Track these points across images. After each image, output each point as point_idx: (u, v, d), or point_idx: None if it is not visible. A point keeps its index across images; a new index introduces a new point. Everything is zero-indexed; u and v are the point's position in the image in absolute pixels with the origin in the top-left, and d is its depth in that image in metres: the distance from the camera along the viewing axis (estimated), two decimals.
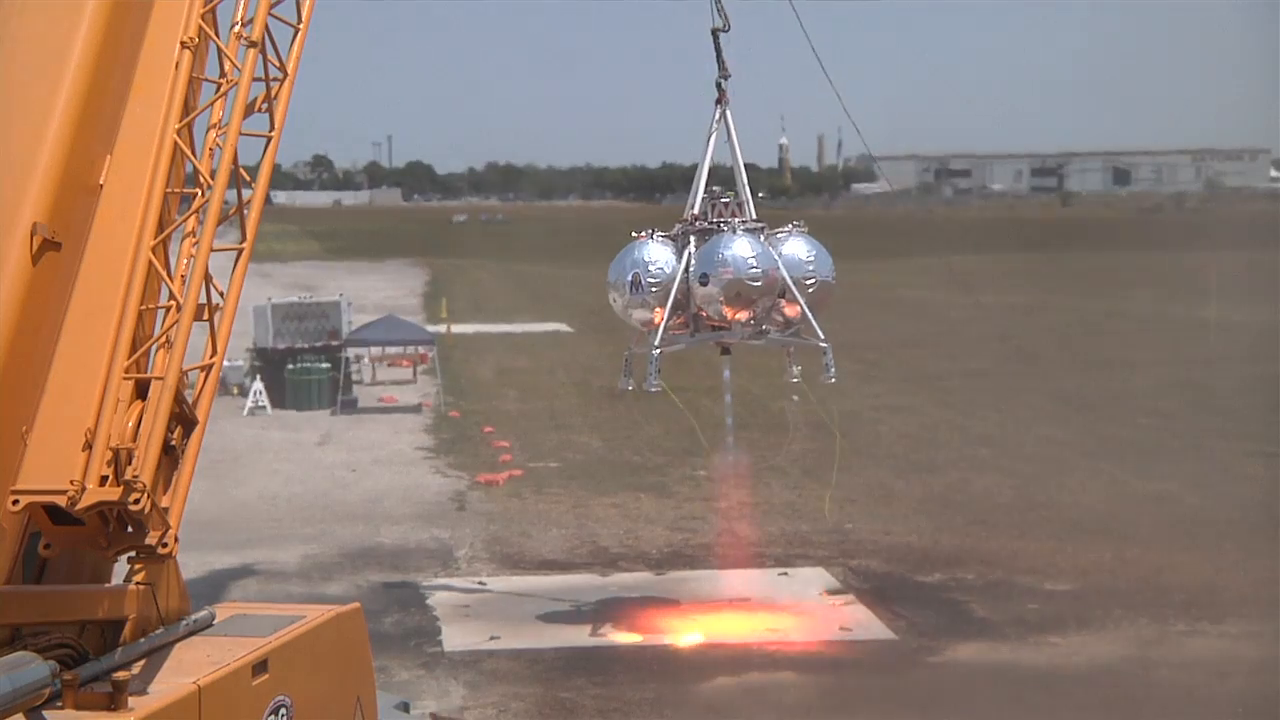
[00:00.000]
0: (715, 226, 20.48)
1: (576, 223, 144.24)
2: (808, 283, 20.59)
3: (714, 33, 20.87)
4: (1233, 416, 38.77)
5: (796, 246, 20.82)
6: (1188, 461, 33.67)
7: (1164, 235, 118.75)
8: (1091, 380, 45.97)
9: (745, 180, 21.22)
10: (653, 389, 20.40)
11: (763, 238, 20.51)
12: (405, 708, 13.94)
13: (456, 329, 59.15)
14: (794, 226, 21.17)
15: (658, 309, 20.32)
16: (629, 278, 20.52)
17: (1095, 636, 21.35)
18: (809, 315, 20.45)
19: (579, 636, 21.49)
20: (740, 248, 20.02)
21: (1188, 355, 51.10)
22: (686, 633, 21.74)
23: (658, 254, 20.54)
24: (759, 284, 19.93)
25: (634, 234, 20.95)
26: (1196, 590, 23.43)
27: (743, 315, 20.16)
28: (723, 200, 20.75)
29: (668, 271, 20.36)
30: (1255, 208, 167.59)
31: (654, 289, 20.31)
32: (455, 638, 21.37)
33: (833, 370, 20.52)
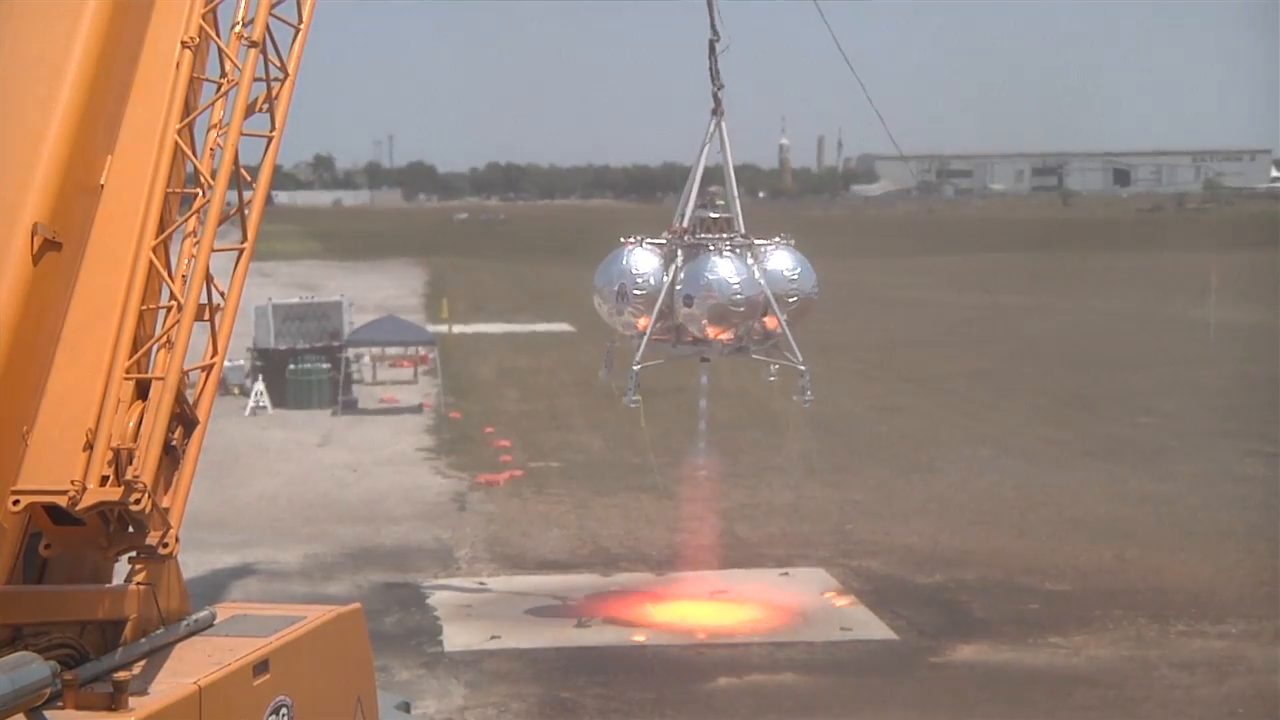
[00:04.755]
0: (703, 244, 20.74)
1: (577, 222, 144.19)
2: (790, 299, 21.00)
3: (710, 44, 21.04)
4: (1233, 416, 38.79)
5: (781, 260, 21.17)
6: (1188, 461, 33.70)
7: (1164, 235, 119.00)
8: (1091, 380, 45.96)
9: (736, 193, 21.46)
10: (632, 404, 20.70)
11: (749, 256, 20.75)
12: (406, 708, 13.92)
13: (457, 329, 59.15)
14: (780, 239, 21.41)
15: (642, 318, 20.65)
16: (615, 287, 20.84)
17: (1095, 636, 21.35)
18: (788, 335, 20.82)
19: (579, 636, 21.50)
20: (725, 271, 20.37)
21: (1188, 355, 51.13)
22: (687, 633, 21.76)
23: (645, 264, 20.85)
24: (741, 309, 20.37)
25: (622, 239, 21.16)
26: (1196, 590, 23.45)
27: (725, 336, 20.60)
28: (711, 216, 20.99)
29: (653, 284, 20.74)
30: (1255, 208, 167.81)
31: (639, 300, 20.65)
32: (456, 637, 21.38)
33: (809, 394, 20.91)
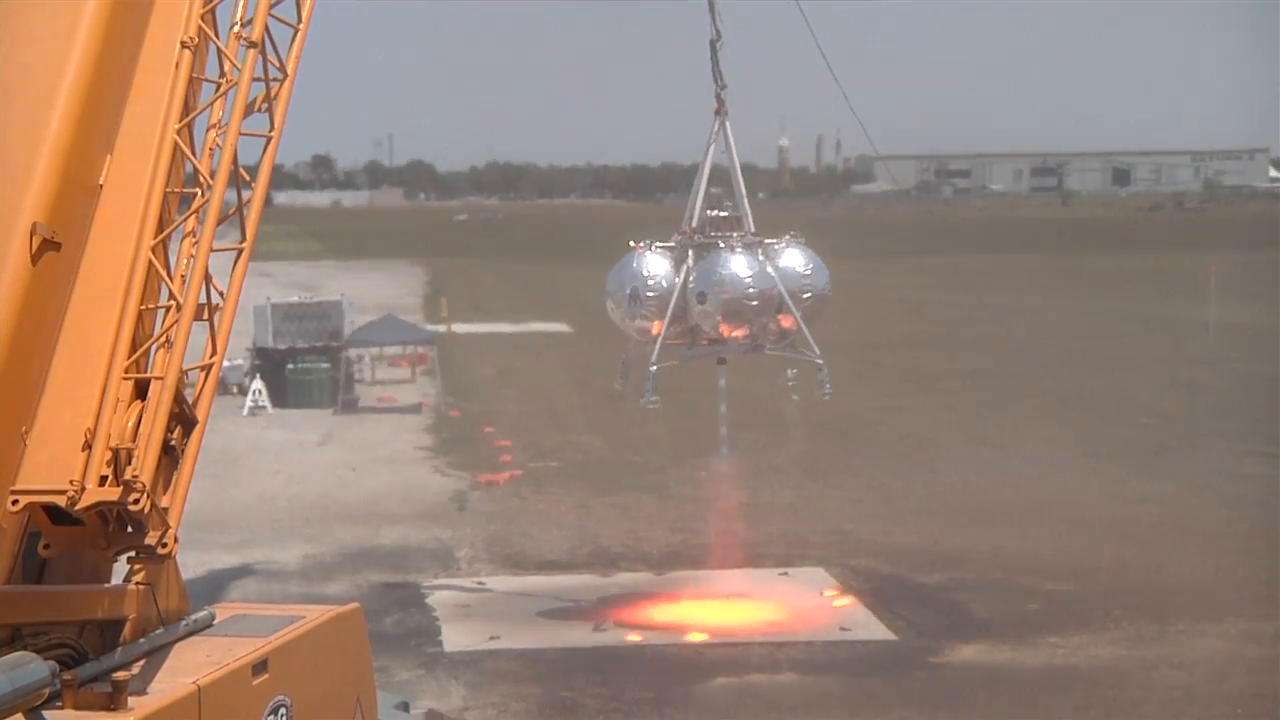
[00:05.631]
0: (713, 241, 20.72)
1: (576, 222, 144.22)
2: (804, 296, 20.95)
3: (711, 44, 21.02)
4: (1233, 416, 38.78)
5: (793, 258, 21.11)
6: (1188, 461, 33.68)
7: (1164, 235, 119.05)
8: (1091, 380, 45.95)
9: (744, 192, 21.42)
10: (650, 404, 20.69)
11: (759, 253, 20.71)
12: (405, 708, 13.94)
13: (456, 329, 59.12)
14: (790, 237, 21.39)
15: (655, 321, 20.59)
16: (627, 291, 20.86)
17: (1095, 636, 21.35)
18: (804, 330, 20.77)
19: (579, 636, 21.50)
20: (737, 266, 20.33)
21: (1188, 355, 51.11)
22: (687, 633, 21.75)
23: (656, 267, 20.83)
24: (755, 303, 20.32)
25: (632, 244, 21.11)
26: (1196, 590, 23.43)
27: (740, 333, 20.55)
28: (721, 214, 20.97)
29: (665, 285, 20.70)
30: (1255, 207, 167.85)
31: (652, 303, 20.60)
32: (455, 638, 21.38)
33: (828, 386, 20.89)
